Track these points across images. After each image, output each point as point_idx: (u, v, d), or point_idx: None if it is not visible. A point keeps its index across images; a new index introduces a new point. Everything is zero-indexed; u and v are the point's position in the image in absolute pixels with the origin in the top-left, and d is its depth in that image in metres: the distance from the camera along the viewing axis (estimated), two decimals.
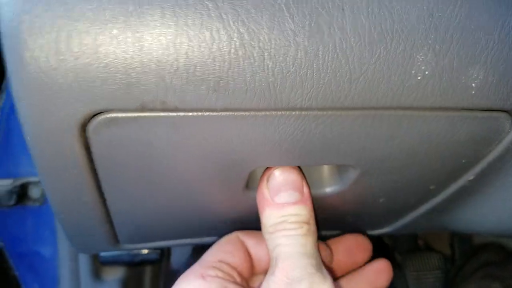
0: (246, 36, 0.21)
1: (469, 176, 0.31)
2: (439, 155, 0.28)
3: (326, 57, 0.22)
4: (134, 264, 0.56)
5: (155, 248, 0.54)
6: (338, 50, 0.22)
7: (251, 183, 0.30)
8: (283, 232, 0.28)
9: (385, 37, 0.22)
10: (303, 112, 0.23)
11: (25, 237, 0.57)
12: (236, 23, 0.21)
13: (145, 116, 0.22)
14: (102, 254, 0.54)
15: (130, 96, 0.21)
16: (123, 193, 0.28)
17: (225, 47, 0.21)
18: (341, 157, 0.27)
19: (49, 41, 0.20)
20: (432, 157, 0.28)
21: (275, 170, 0.29)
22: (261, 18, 0.21)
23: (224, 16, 0.21)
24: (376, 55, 0.22)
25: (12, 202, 0.53)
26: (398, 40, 0.22)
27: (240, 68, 0.21)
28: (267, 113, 0.23)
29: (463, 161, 0.29)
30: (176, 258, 0.57)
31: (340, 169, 0.31)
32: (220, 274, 0.29)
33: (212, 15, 0.21)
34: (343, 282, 0.35)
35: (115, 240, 0.34)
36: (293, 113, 0.23)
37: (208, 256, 0.32)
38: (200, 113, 0.23)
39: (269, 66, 0.21)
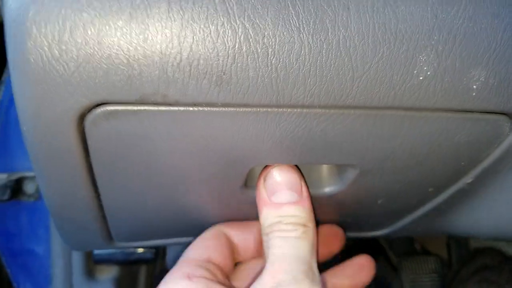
0: (251, 32, 0.21)
1: (468, 178, 0.31)
2: (439, 157, 0.28)
3: (330, 54, 0.22)
4: (129, 263, 0.55)
5: (150, 247, 0.53)
6: (341, 48, 0.22)
7: (249, 181, 0.30)
8: (278, 233, 0.28)
9: (389, 36, 0.22)
10: (305, 110, 0.23)
11: (19, 234, 0.57)
12: (241, 18, 0.21)
13: (145, 110, 0.22)
14: (96, 252, 0.53)
15: (131, 88, 0.21)
16: (118, 189, 0.28)
17: (229, 42, 0.21)
18: (342, 156, 0.27)
19: (53, 30, 0.20)
20: (432, 158, 0.28)
21: (273, 169, 0.29)
22: (267, 14, 0.21)
23: (230, 11, 0.21)
24: (379, 54, 0.22)
25: (6, 196, 0.52)
26: (402, 40, 0.22)
27: (243, 63, 0.21)
28: (269, 109, 0.23)
29: (462, 163, 0.29)
30: (171, 258, 0.57)
31: (339, 168, 0.31)
32: (205, 274, 0.29)
33: (218, 9, 0.21)
34: (325, 277, 0.35)
35: (109, 237, 0.34)
36: (295, 110, 0.23)
37: (193, 253, 0.31)
38: (201, 108, 0.22)
39: (273, 62, 0.21)
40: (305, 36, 0.21)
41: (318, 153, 0.26)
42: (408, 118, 0.25)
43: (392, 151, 0.27)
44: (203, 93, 0.22)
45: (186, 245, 0.55)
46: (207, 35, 0.21)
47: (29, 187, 0.54)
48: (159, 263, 0.60)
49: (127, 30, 0.20)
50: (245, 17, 0.21)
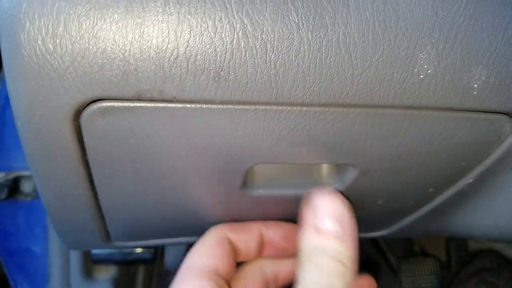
0: (249, 27, 0.21)
1: (468, 179, 0.30)
2: (439, 157, 0.28)
3: (329, 51, 0.22)
4: (127, 263, 0.55)
5: (148, 247, 0.53)
6: (341, 45, 0.22)
7: (248, 181, 0.30)
8: (315, 262, 0.27)
9: (389, 34, 0.22)
10: (304, 108, 0.23)
11: (16, 233, 0.56)
12: (239, 13, 0.20)
13: (141, 106, 0.22)
14: (94, 252, 0.53)
15: (127, 84, 0.21)
16: (115, 187, 0.28)
17: (227, 37, 0.21)
18: (341, 155, 0.27)
19: (47, 23, 0.19)
20: (432, 158, 0.28)
21: (323, 196, 0.28)
22: (265, 10, 0.21)
23: (228, 6, 0.20)
24: (379, 52, 0.22)
25: (4, 195, 0.52)
26: (402, 38, 0.22)
27: (241, 59, 0.21)
28: (268, 107, 0.23)
29: (462, 163, 0.29)
30: (169, 258, 0.57)
31: (339, 168, 0.31)
32: (214, 287, 0.28)
33: (216, 4, 0.20)
34: None
35: (107, 237, 0.34)
36: (294, 108, 0.23)
37: (200, 261, 0.30)
38: (198, 105, 0.22)
39: (272, 58, 0.21)
40: (304, 32, 0.21)
41: (317, 152, 0.26)
42: (408, 117, 0.24)
43: (392, 151, 0.26)
44: (201, 90, 0.21)
45: (186, 246, 0.55)
46: (204, 30, 0.20)
47: (26, 186, 0.54)
48: (158, 263, 0.60)
49: (122, 24, 0.20)
50: (243, 12, 0.21)
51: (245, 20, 0.21)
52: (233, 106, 0.22)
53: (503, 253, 0.58)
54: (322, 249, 0.27)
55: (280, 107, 0.23)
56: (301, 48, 0.21)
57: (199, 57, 0.21)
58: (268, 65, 0.21)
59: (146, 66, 0.21)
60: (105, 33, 0.20)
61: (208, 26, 0.20)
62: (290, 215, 0.34)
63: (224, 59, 0.21)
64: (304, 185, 0.31)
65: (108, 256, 0.54)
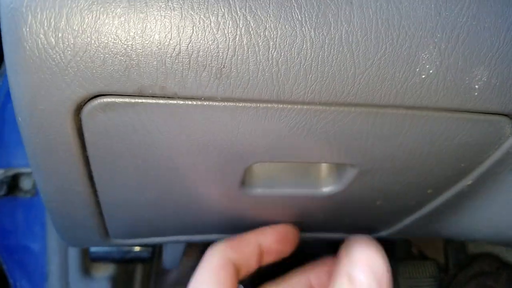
0: (252, 24, 0.21)
1: (468, 180, 0.30)
2: (439, 158, 0.28)
3: (332, 50, 0.22)
4: (125, 262, 0.55)
5: (146, 245, 0.53)
6: (343, 43, 0.22)
7: (247, 180, 0.30)
8: None
9: (392, 33, 0.22)
10: (305, 106, 0.23)
11: (15, 230, 0.56)
12: (242, 9, 0.20)
13: (142, 103, 0.22)
14: (92, 250, 0.53)
15: (129, 79, 0.21)
16: (115, 183, 0.28)
17: (230, 34, 0.21)
18: (341, 155, 0.27)
19: (49, 17, 0.19)
20: (432, 159, 0.28)
21: (361, 242, 0.27)
22: (268, 6, 0.21)
23: (231, 1, 0.20)
24: (382, 51, 0.22)
25: (3, 192, 0.52)
26: (405, 37, 0.22)
27: (244, 56, 0.21)
28: (269, 105, 0.23)
29: (462, 164, 0.29)
30: (168, 257, 0.57)
31: (338, 168, 0.30)
32: None
33: None
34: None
35: (106, 234, 0.34)
36: (295, 106, 0.23)
37: (208, 287, 0.30)
38: (199, 102, 0.22)
39: (274, 55, 0.21)
40: (307, 30, 0.21)
41: (317, 151, 0.26)
42: (409, 117, 0.24)
43: (392, 151, 0.26)
44: (203, 86, 0.21)
45: (184, 245, 0.55)
46: (207, 26, 0.20)
47: (25, 183, 0.54)
48: (156, 262, 0.59)
49: (125, 18, 0.20)
50: (246, 8, 0.21)
51: (248, 17, 0.21)
52: (234, 104, 0.22)
53: (502, 257, 0.58)
54: None
55: (281, 105, 0.23)
56: (304, 46, 0.21)
57: (201, 53, 0.21)
58: (270, 62, 0.21)
59: (148, 62, 0.20)
60: (107, 28, 0.20)
61: (210, 22, 0.20)
62: (289, 215, 0.34)
63: (226, 55, 0.21)
64: (303, 184, 0.31)
65: (106, 254, 0.53)
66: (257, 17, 0.21)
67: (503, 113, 0.25)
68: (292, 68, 0.22)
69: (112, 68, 0.20)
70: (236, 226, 0.36)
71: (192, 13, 0.20)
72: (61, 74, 0.20)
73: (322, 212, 0.34)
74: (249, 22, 0.21)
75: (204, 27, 0.20)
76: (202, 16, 0.20)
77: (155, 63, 0.21)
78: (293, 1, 0.21)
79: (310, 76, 0.22)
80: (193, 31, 0.20)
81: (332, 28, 0.21)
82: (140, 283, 0.58)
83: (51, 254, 0.55)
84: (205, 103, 0.22)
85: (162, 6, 0.20)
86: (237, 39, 0.21)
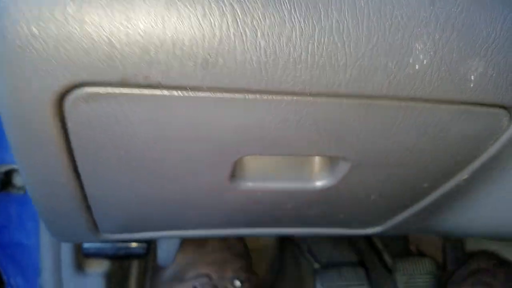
0: (239, 12, 0.20)
1: (464, 174, 0.30)
2: (434, 151, 0.27)
3: (322, 39, 0.21)
4: (119, 258, 0.54)
5: (139, 241, 0.52)
6: (334, 33, 0.21)
7: (237, 173, 0.29)
8: None
9: (384, 22, 0.21)
10: (295, 98, 0.22)
11: (8, 226, 0.56)
12: None
13: (126, 93, 0.21)
14: (85, 246, 0.53)
15: (112, 69, 0.20)
16: (100, 176, 0.27)
17: (216, 22, 0.20)
18: (332, 147, 0.26)
19: (32, 7, 0.19)
20: (427, 152, 0.27)
21: None
22: None
23: None
24: (374, 41, 0.21)
25: None
26: (397, 27, 0.21)
27: (231, 45, 0.20)
28: (257, 96, 0.22)
29: (458, 158, 0.28)
30: (162, 253, 0.56)
31: (331, 162, 0.30)
32: None
33: None
34: None
35: (95, 228, 0.33)
36: (285, 98, 0.22)
37: None
38: (185, 92, 0.22)
39: (262, 45, 0.21)
40: (296, 18, 0.20)
41: (308, 144, 0.26)
42: (403, 109, 0.24)
43: (385, 144, 0.26)
44: (188, 76, 0.21)
45: (180, 241, 0.54)
46: (192, 14, 0.20)
47: (18, 180, 0.53)
48: (152, 258, 0.59)
49: (109, 7, 0.19)
50: None
51: (235, 5, 0.20)
52: (221, 94, 0.22)
53: (499, 254, 0.58)
54: None
55: (270, 96, 0.22)
56: (293, 35, 0.21)
57: (186, 42, 0.20)
58: (258, 51, 0.21)
59: (131, 51, 0.20)
60: (91, 17, 0.19)
61: (196, 10, 0.20)
62: (283, 211, 0.34)
63: (213, 45, 0.20)
64: (295, 179, 0.30)
65: (99, 250, 0.53)
66: (244, 5, 0.20)
67: (500, 105, 0.25)
68: (281, 58, 0.21)
69: (95, 58, 0.20)
70: (229, 222, 0.35)
71: (178, 1, 0.20)
72: (43, 63, 0.20)
73: (315, 207, 0.33)
74: (236, 11, 0.20)
75: (189, 16, 0.20)
76: (187, 5, 0.20)
77: (138, 52, 0.20)
78: None
79: (300, 66, 0.21)
80: (178, 20, 0.20)
81: (322, 17, 0.21)
82: (136, 279, 0.58)
83: (44, 250, 0.55)
84: (191, 94, 0.22)
85: None
86: (223, 28, 0.20)
